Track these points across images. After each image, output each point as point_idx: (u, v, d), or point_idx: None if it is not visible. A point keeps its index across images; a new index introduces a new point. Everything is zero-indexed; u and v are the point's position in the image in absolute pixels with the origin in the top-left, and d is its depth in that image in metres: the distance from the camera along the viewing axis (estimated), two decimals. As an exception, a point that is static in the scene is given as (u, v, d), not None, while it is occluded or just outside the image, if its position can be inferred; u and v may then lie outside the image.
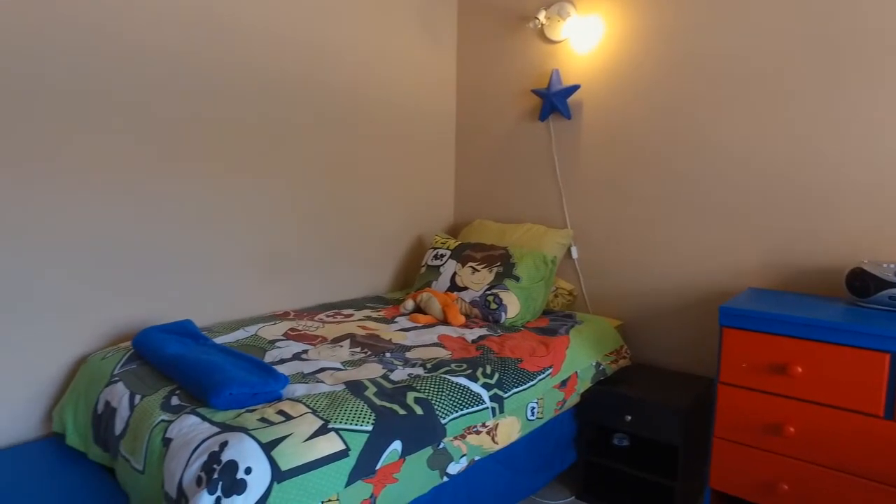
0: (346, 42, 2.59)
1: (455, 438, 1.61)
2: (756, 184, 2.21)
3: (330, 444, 1.32)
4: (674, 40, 2.39)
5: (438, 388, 1.63)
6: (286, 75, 2.37)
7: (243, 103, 2.23)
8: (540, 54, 2.82)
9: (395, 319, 2.34)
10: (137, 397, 1.56)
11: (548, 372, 1.97)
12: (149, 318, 2.03)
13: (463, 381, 1.70)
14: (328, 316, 2.33)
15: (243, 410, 1.42)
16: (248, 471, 1.19)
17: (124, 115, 1.91)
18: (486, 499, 1.77)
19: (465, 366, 1.80)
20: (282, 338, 2.01)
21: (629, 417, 2.06)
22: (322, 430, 1.34)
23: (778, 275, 2.18)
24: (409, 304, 2.47)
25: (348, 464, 1.33)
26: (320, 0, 2.46)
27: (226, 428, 1.32)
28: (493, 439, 1.73)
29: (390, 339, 2.04)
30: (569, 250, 2.74)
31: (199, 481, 1.20)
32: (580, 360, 2.14)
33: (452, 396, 1.63)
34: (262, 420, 1.35)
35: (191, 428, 1.35)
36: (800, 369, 1.66)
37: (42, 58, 1.72)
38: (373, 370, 1.72)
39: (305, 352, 1.88)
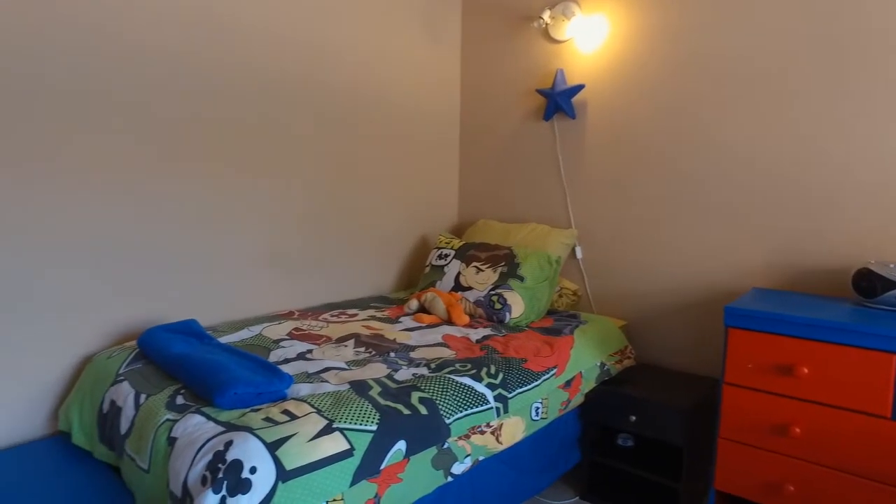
0: (348, 42, 2.59)
1: (459, 438, 1.61)
2: (761, 183, 2.20)
3: (334, 444, 1.32)
4: (678, 40, 2.38)
5: (443, 388, 1.63)
6: (289, 75, 2.37)
7: (243, 103, 2.23)
8: (544, 54, 2.82)
9: (400, 319, 2.34)
10: (143, 396, 1.56)
11: (552, 372, 1.97)
12: (149, 317, 2.03)
13: (467, 381, 1.70)
14: (332, 316, 2.33)
15: (248, 410, 1.42)
16: (252, 470, 1.19)
17: (124, 115, 1.92)
18: (491, 499, 1.77)
19: (469, 366, 1.80)
20: (286, 337, 2.01)
21: (633, 418, 2.05)
22: (326, 430, 1.34)
23: (783, 275, 2.17)
24: (414, 303, 2.48)
25: (353, 463, 1.33)
26: (321, 0, 2.47)
27: (231, 427, 1.32)
28: (497, 439, 1.73)
29: (395, 339, 2.04)
30: (573, 250, 2.73)
31: (204, 480, 1.20)
32: (584, 360, 2.13)
33: (457, 396, 1.63)
34: (267, 420, 1.35)
35: (196, 427, 1.35)
36: (806, 370, 1.65)
37: (42, 58, 1.73)
38: (377, 370, 1.72)
39: (310, 351, 1.88)
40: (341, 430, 1.36)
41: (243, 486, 1.17)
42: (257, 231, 2.33)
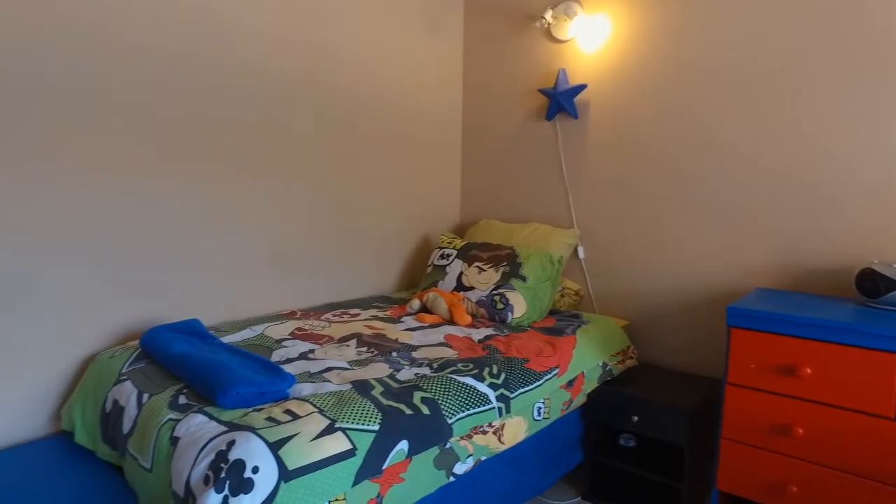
0: (349, 42, 2.59)
1: (461, 438, 1.61)
2: (763, 183, 2.20)
3: (337, 444, 1.32)
4: (681, 39, 2.38)
5: (445, 388, 1.63)
6: (289, 75, 2.37)
7: (243, 103, 2.23)
8: (546, 54, 2.82)
9: (402, 319, 2.34)
10: (145, 396, 1.56)
11: (554, 372, 1.97)
12: (149, 318, 2.03)
13: (469, 380, 1.70)
14: (335, 315, 2.33)
15: (250, 409, 1.42)
16: (255, 470, 1.19)
17: (124, 115, 1.91)
18: (493, 499, 1.77)
19: (471, 366, 1.80)
20: (288, 337, 2.01)
21: (636, 418, 2.05)
22: (329, 430, 1.34)
23: (786, 275, 2.17)
24: (416, 303, 2.47)
25: (355, 463, 1.33)
26: (321, 0, 2.46)
27: (233, 427, 1.32)
28: (499, 439, 1.73)
29: (397, 339, 2.04)
30: (575, 250, 2.73)
31: (206, 480, 1.20)
32: (587, 360, 2.13)
33: (459, 396, 1.63)
34: (269, 419, 1.35)
35: (198, 427, 1.35)
36: (809, 370, 1.65)
37: (42, 58, 1.73)
38: (379, 370, 1.72)
39: (312, 351, 1.88)
40: (343, 430, 1.36)
41: (246, 486, 1.17)
42: (258, 231, 2.33)
